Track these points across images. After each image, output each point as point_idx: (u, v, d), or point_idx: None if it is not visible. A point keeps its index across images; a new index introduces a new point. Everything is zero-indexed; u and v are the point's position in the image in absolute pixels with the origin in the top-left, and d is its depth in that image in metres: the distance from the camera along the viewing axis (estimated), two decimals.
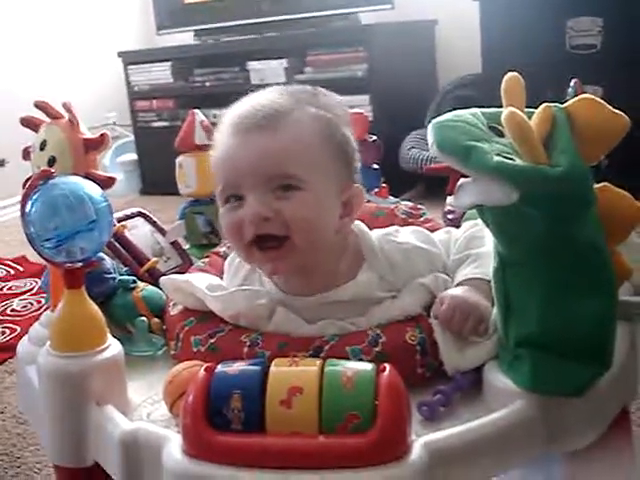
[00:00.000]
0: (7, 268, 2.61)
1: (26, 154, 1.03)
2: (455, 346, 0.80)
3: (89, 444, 0.79)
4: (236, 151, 0.87)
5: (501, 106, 0.74)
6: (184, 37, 3.81)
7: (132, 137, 3.87)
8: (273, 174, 0.85)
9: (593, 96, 0.71)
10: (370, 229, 0.96)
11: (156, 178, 3.60)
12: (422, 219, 1.14)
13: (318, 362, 0.67)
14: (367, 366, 0.67)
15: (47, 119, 1.02)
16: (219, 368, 0.68)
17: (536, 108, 0.73)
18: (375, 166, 1.34)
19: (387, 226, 0.99)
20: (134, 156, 3.85)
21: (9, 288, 2.41)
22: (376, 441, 0.62)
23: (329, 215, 0.89)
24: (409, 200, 1.23)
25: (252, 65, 3.45)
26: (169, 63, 3.69)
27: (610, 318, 0.72)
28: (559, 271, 0.70)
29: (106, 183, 0.93)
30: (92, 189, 0.78)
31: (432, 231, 1.01)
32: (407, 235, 0.96)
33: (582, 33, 2.51)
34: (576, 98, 0.71)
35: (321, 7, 3.42)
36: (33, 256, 2.58)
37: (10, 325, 2.07)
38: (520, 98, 0.72)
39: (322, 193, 0.87)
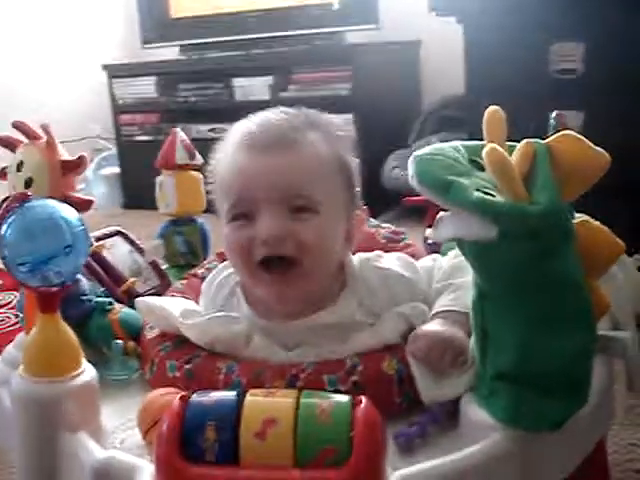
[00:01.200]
0: None
1: (2, 175, 1.02)
2: (432, 377, 0.79)
3: (61, 471, 0.77)
4: (249, 168, 0.85)
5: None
6: (169, 52, 3.80)
7: (115, 150, 3.85)
8: (289, 193, 0.83)
9: (574, 133, 0.71)
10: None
11: (139, 192, 3.56)
12: (402, 244, 1.13)
13: (294, 393, 0.66)
14: (343, 398, 0.66)
15: (25, 139, 1.01)
16: (194, 397, 0.66)
17: (518, 141, 0.73)
18: None
19: (367, 250, 0.98)
20: (117, 169, 3.83)
21: None
22: (351, 476, 0.61)
23: (337, 241, 0.88)
24: (389, 223, 1.22)
25: (237, 81, 3.41)
26: (154, 77, 3.67)
27: (588, 353, 0.72)
28: (537, 305, 0.70)
29: (83, 206, 0.92)
30: (69, 213, 0.77)
31: (413, 256, 1.01)
32: (390, 261, 0.95)
33: (565, 57, 2.52)
34: (558, 134, 0.71)
35: (307, 25, 3.42)
36: None
37: None
38: (501, 132, 0.72)
39: (334, 217, 0.86)
